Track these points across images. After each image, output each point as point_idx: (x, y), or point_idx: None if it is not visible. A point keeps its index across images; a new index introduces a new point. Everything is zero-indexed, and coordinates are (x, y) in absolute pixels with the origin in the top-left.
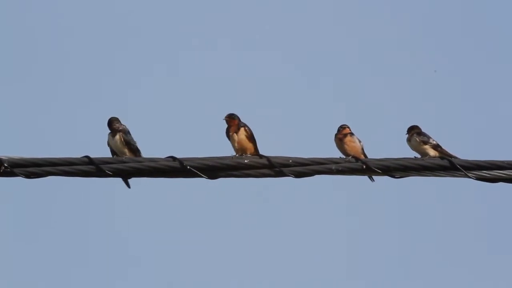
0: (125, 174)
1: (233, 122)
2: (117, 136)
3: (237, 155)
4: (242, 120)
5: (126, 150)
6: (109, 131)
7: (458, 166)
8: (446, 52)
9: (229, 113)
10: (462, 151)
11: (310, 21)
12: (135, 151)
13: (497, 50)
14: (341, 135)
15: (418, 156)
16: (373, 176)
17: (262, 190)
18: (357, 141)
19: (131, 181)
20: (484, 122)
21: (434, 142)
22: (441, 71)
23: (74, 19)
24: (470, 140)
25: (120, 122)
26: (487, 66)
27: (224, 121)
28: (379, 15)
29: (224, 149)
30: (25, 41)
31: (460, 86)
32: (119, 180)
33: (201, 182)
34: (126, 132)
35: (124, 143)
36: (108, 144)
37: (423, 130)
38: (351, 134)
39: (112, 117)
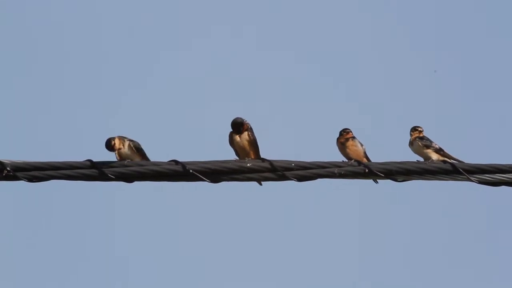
0: (128, 178)
1: (243, 128)
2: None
3: (239, 159)
4: (245, 122)
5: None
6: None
7: (461, 170)
8: (446, 52)
9: (236, 120)
10: (464, 155)
11: (312, 23)
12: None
13: (499, 50)
14: (343, 139)
15: (421, 159)
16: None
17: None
18: (359, 144)
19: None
20: (487, 125)
21: (437, 146)
22: (441, 71)
23: (74, 21)
24: (472, 143)
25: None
26: (489, 67)
27: (234, 130)
28: (379, 15)
29: (227, 153)
30: (26, 43)
31: (461, 87)
32: (121, 184)
33: (204, 186)
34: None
35: (135, 150)
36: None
37: (425, 132)
38: (353, 138)
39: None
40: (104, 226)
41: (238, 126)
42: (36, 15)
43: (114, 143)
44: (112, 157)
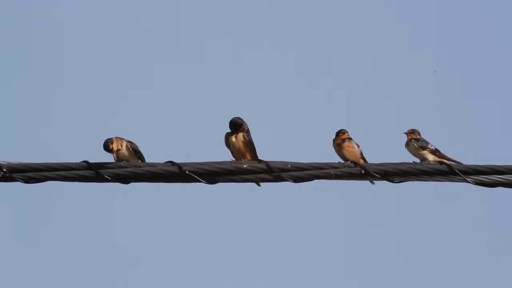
0: (124, 179)
1: (239, 128)
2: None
3: (235, 160)
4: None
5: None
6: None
7: (457, 171)
8: (446, 52)
9: (235, 119)
10: (461, 155)
11: (309, 22)
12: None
13: (498, 51)
14: (340, 140)
15: (418, 161)
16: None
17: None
18: (355, 146)
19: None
20: (484, 126)
21: (433, 147)
22: (441, 72)
23: (74, 21)
24: (470, 144)
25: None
26: (487, 68)
27: (231, 129)
28: (378, 15)
29: (223, 154)
30: (26, 43)
31: (460, 87)
32: (117, 185)
33: (200, 187)
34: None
35: (132, 152)
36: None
37: (422, 133)
38: (350, 139)
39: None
40: (101, 227)
41: (235, 126)
42: (36, 15)
43: (112, 144)
44: (108, 158)
